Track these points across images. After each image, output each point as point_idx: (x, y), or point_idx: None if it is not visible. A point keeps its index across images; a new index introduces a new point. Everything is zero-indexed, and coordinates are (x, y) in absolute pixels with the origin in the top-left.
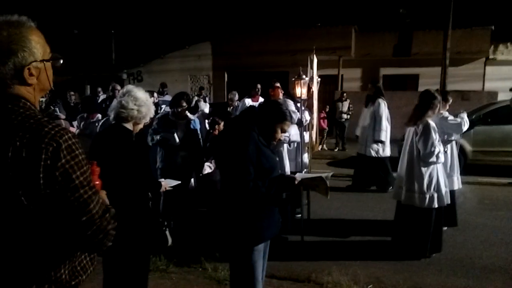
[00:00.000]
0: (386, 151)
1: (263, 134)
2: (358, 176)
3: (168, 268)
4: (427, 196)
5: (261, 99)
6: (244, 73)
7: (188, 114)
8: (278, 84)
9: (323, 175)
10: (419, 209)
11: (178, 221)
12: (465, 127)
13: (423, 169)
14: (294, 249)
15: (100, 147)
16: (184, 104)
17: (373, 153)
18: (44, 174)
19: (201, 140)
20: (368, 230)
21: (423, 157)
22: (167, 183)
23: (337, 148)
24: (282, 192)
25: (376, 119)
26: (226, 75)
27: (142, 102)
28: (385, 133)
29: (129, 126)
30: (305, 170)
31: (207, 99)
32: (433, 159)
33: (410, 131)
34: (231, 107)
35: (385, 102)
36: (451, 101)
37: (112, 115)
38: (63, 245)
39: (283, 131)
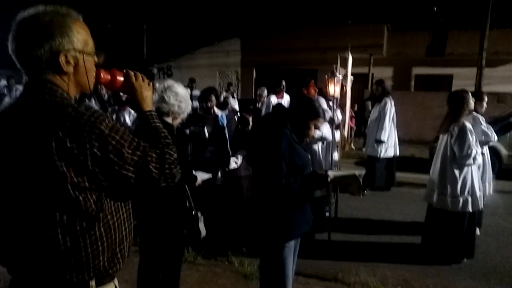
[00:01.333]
0: (389, 152)
1: (296, 131)
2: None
3: (195, 260)
4: (461, 200)
5: (286, 96)
6: (273, 70)
7: (216, 109)
8: (312, 82)
9: (357, 173)
10: (451, 213)
11: (205, 214)
12: (492, 139)
13: (457, 172)
14: (321, 248)
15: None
16: (213, 99)
17: (374, 153)
18: (93, 161)
19: (228, 136)
20: (397, 231)
21: (459, 159)
22: (200, 177)
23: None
24: (315, 190)
25: (380, 119)
26: (254, 72)
27: (182, 98)
28: (386, 133)
29: (169, 120)
30: (334, 168)
31: (235, 95)
32: (470, 161)
33: (443, 135)
34: (260, 103)
35: (392, 102)
36: (486, 100)
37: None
38: (102, 234)
39: (316, 127)
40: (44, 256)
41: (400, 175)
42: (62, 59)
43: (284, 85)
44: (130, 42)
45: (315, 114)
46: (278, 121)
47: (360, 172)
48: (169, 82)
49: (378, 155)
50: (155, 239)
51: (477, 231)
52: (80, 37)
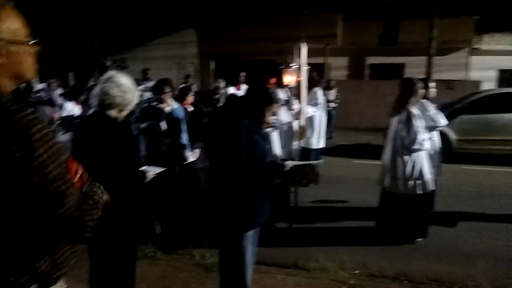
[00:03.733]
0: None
1: (253, 119)
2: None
3: (155, 256)
4: (411, 183)
5: (244, 87)
6: (231, 60)
7: (171, 101)
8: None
9: (313, 162)
10: (403, 196)
11: (164, 208)
12: (440, 124)
13: (406, 156)
14: (282, 236)
15: (83, 136)
16: (167, 90)
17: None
18: (18, 167)
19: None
20: (355, 216)
21: (407, 144)
22: (152, 171)
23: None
24: (273, 179)
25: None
26: (212, 63)
27: (126, 88)
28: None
29: (113, 113)
30: (296, 158)
31: (192, 86)
32: (417, 146)
33: (394, 119)
34: (218, 95)
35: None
36: (434, 86)
37: (95, 102)
38: (41, 237)
39: (273, 114)
40: None
41: (357, 162)
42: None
43: (243, 77)
44: (80, 34)
45: (270, 101)
46: (235, 112)
47: (317, 161)
48: (111, 72)
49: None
50: (103, 237)
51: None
52: (7, 27)
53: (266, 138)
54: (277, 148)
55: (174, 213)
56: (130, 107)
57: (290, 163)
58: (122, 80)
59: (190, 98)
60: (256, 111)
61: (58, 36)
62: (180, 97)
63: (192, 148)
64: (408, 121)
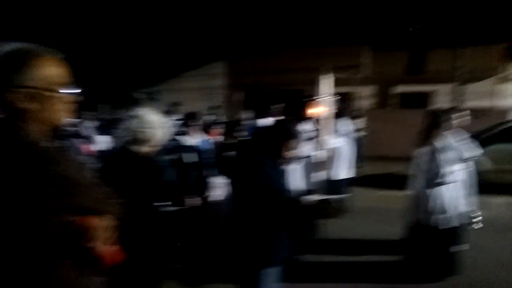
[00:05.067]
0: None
1: (271, 154)
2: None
3: None
4: (435, 217)
5: (276, 118)
6: (259, 91)
7: (197, 133)
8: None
9: (331, 197)
10: (428, 229)
11: (187, 240)
12: (469, 155)
13: (429, 190)
14: (305, 270)
15: (109, 169)
16: (194, 123)
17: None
18: (51, 200)
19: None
20: (384, 250)
21: (430, 178)
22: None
23: None
24: (291, 215)
25: None
26: (240, 94)
27: (152, 125)
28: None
29: (138, 148)
30: (317, 189)
31: (221, 118)
32: (439, 179)
33: (419, 151)
34: (243, 126)
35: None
36: (466, 116)
37: (123, 138)
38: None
39: (291, 149)
40: None
41: (386, 193)
42: (16, 95)
43: (275, 109)
44: (115, 67)
45: (288, 136)
46: (256, 147)
47: (338, 196)
48: (141, 110)
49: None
50: (125, 272)
51: (463, 246)
52: (41, 74)
53: (283, 173)
54: (299, 181)
55: (196, 245)
56: (155, 143)
57: (309, 198)
58: (148, 117)
59: (217, 130)
60: (274, 146)
61: (94, 69)
62: (206, 129)
63: (215, 182)
64: (431, 154)
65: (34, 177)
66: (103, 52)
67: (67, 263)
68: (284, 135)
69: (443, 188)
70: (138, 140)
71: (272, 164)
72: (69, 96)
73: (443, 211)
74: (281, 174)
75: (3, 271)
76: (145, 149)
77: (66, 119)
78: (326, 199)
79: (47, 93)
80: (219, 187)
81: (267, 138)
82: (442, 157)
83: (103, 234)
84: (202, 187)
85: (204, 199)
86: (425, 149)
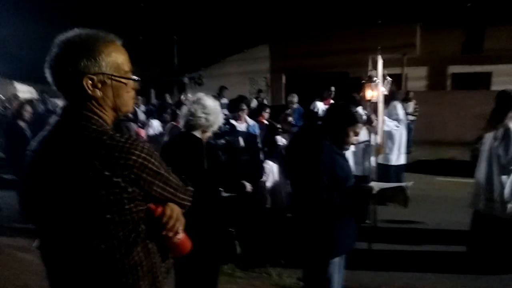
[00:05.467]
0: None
1: (335, 140)
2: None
3: (234, 273)
4: (510, 206)
5: (327, 102)
6: (302, 74)
7: (247, 118)
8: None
9: (403, 184)
10: (501, 220)
11: (243, 226)
12: None
13: (504, 177)
14: (362, 258)
15: (170, 155)
16: (244, 107)
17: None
18: (132, 186)
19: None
20: (440, 240)
21: (505, 163)
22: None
23: None
24: (359, 203)
25: None
26: (284, 77)
27: (210, 110)
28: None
29: (197, 134)
30: (372, 175)
31: (265, 101)
32: None
33: (488, 135)
34: (290, 110)
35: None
36: None
37: (182, 123)
38: (141, 258)
39: (356, 134)
40: (87, 284)
41: (440, 179)
42: (86, 82)
43: (333, 91)
44: (161, 53)
45: (353, 120)
46: (317, 132)
47: (407, 184)
48: (199, 94)
49: (390, 163)
50: (189, 256)
51: None
52: (110, 61)
53: (346, 159)
54: (351, 166)
55: (252, 230)
56: (214, 128)
57: (377, 186)
58: (207, 102)
59: (266, 114)
60: (339, 131)
61: (141, 56)
62: (256, 114)
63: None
64: (505, 138)
65: (112, 167)
66: (148, 36)
67: (149, 249)
68: (350, 119)
69: None
70: (198, 126)
71: (337, 150)
72: (134, 83)
73: None
74: (346, 161)
75: (84, 259)
76: (206, 134)
77: (130, 107)
78: (399, 186)
79: (117, 80)
80: (269, 172)
81: (331, 122)
82: None
83: (179, 223)
84: (253, 172)
85: (256, 184)
86: (497, 132)
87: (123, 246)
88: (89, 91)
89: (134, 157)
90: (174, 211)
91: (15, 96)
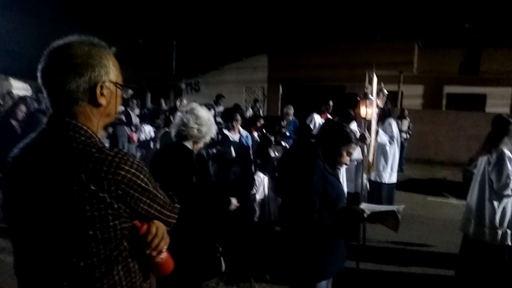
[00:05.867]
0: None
1: (328, 159)
2: None
3: (217, 287)
4: (500, 232)
5: (322, 116)
6: (299, 86)
7: (241, 128)
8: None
9: (395, 208)
10: (489, 245)
11: (228, 239)
12: None
13: (495, 203)
14: (349, 277)
15: (160, 166)
16: (238, 117)
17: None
18: (118, 203)
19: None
20: (430, 262)
21: (497, 189)
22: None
23: None
24: (349, 226)
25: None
26: (281, 88)
27: (203, 121)
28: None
29: (188, 144)
30: (363, 193)
31: (260, 111)
32: (508, 192)
33: (482, 159)
34: (285, 122)
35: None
36: None
37: (173, 132)
38: (121, 278)
39: (349, 154)
40: None
41: (431, 200)
42: (98, 90)
43: (331, 106)
44: (160, 57)
45: (347, 140)
46: (310, 151)
47: (399, 207)
48: (193, 104)
49: (383, 180)
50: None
51: None
52: (114, 69)
53: (339, 179)
54: (344, 183)
55: (239, 244)
56: (206, 140)
57: (368, 208)
58: (200, 113)
59: (260, 126)
60: (332, 150)
61: (139, 59)
62: (250, 124)
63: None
64: (499, 163)
65: (99, 181)
66: (145, 41)
67: (130, 268)
68: (344, 139)
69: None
70: (189, 136)
71: (330, 170)
72: (124, 91)
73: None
74: (338, 180)
75: (61, 277)
76: (198, 145)
77: (116, 114)
78: (392, 210)
79: (120, 88)
80: (259, 185)
81: (325, 141)
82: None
83: (164, 242)
84: (243, 184)
85: (246, 196)
86: (492, 157)
87: (104, 264)
88: (98, 99)
89: (123, 172)
90: (160, 229)
91: (9, 93)
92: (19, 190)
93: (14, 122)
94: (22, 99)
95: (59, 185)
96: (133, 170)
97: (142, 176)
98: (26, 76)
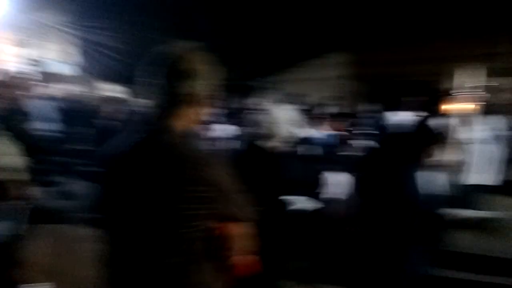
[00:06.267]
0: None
1: (417, 160)
2: None
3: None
4: None
5: (408, 114)
6: (383, 82)
7: (325, 126)
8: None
9: (491, 214)
10: None
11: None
12: None
13: None
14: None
15: (240, 168)
16: (322, 115)
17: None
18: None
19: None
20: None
21: None
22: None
23: None
24: (440, 231)
25: None
26: (363, 85)
27: (278, 120)
28: None
29: (267, 144)
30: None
31: (343, 109)
32: None
33: None
34: (369, 119)
35: None
36: None
37: (251, 132)
38: None
39: (438, 153)
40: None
41: None
42: (199, 94)
43: (416, 102)
44: (237, 56)
45: (437, 138)
46: (399, 152)
47: (495, 212)
48: (269, 104)
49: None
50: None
51: None
52: (210, 74)
53: (430, 182)
54: (438, 187)
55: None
56: (283, 139)
57: (457, 214)
58: (275, 112)
59: (343, 123)
60: (423, 151)
61: (221, 59)
62: (333, 122)
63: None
64: None
65: (181, 181)
66: (224, 41)
67: (204, 268)
68: (434, 138)
69: None
70: (266, 135)
71: (415, 173)
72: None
73: None
74: (429, 182)
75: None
76: (276, 144)
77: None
78: (489, 216)
79: (211, 92)
80: (338, 185)
81: (413, 141)
82: None
83: (241, 243)
84: (323, 183)
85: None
86: None
87: (195, 262)
88: (198, 102)
89: (202, 173)
90: (234, 230)
91: (109, 97)
92: (126, 179)
93: (115, 123)
94: (122, 100)
95: (165, 181)
96: (213, 170)
97: (220, 176)
98: (121, 80)
